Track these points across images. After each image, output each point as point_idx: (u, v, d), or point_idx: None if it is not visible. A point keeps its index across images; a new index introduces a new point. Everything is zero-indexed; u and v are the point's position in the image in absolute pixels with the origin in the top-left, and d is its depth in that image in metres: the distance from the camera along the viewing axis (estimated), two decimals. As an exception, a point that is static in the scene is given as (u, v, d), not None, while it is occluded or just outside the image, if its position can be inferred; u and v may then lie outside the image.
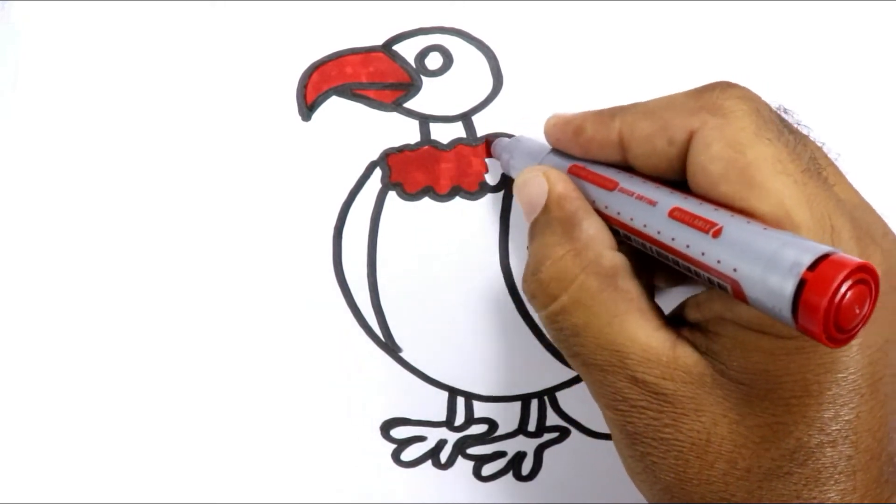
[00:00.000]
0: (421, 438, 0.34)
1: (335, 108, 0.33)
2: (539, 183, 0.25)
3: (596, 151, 0.25)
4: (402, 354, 0.33)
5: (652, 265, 0.26)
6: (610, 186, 0.24)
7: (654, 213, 0.21)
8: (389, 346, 0.33)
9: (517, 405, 0.34)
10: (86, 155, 0.33)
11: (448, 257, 0.33)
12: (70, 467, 0.33)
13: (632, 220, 0.22)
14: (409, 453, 0.34)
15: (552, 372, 0.34)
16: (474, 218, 0.33)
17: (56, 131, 0.33)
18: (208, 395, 0.33)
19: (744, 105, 0.21)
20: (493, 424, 0.34)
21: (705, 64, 0.33)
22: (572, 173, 0.25)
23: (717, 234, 0.19)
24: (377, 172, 0.33)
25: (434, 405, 0.34)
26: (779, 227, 0.19)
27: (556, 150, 0.27)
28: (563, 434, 0.34)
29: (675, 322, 0.23)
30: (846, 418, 0.20)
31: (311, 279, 0.33)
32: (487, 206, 0.33)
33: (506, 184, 0.33)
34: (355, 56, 0.33)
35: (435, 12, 0.33)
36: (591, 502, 0.34)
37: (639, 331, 0.22)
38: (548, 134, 0.27)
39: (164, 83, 0.33)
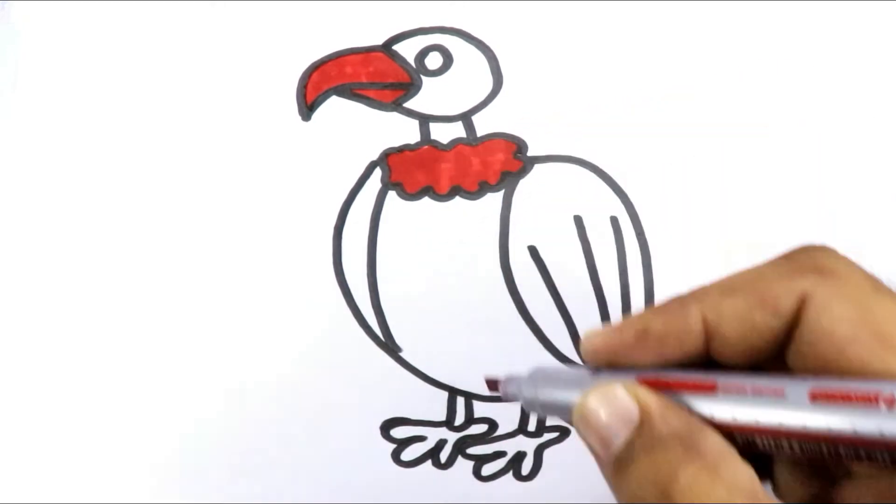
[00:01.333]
0: (421, 438, 0.34)
1: (335, 108, 0.33)
2: (623, 402, 0.20)
3: (671, 350, 0.21)
4: (402, 354, 0.33)
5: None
6: (710, 388, 0.20)
7: (787, 404, 0.18)
8: (389, 346, 0.33)
9: (517, 405, 0.34)
10: (86, 155, 0.33)
11: (448, 257, 0.33)
12: (70, 467, 0.33)
13: (758, 421, 0.19)
14: (409, 453, 0.34)
15: (552, 372, 0.34)
16: (474, 218, 0.33)
17: (56, 131, 0.33)
18: (208, 395, 0.33)
19: (848, 264, 0.19)
20: (493, 424, 0.34)
21: (705, 64, 0.33)
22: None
23: (893, 404, 0.17)
24: (377, 172, 0.33)
25: (434, 405, 0.34)
26: None
27: (602, 371, 0.23)
28: (563, 434, 0.34)
29: None
30: None
31: (311, 279, 0.33)
32: (487, 206, 0.33)
33: (506, 183, 0.33)
34: (355, 56, 0.33)
35: (435, 12, 0.33)
36: (590, 502, 0.34)
37: None
38: (593, 352, 0.22)
39: (165, 83, 0.33)
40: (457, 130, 0.33)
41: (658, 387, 0.21)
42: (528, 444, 0.34)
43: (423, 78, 0.33)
